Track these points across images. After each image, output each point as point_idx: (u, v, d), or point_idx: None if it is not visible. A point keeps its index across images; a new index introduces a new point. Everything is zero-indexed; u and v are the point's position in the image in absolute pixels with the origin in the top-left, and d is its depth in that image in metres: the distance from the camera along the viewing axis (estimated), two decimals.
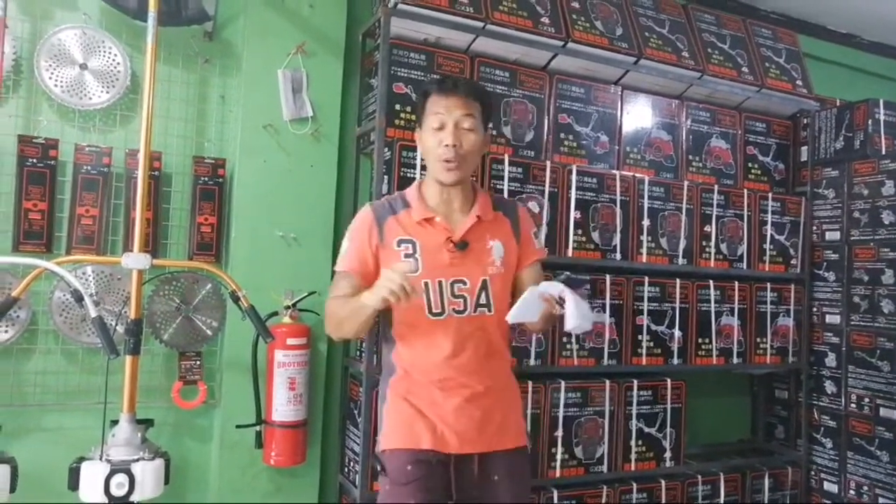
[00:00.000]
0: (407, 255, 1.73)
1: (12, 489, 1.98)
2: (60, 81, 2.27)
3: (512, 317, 1.62)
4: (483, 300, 1.75)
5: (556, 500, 2.60)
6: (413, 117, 2.47)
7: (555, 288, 1.58)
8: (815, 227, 3.30)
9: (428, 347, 1.75)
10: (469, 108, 1.73)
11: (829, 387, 3.18)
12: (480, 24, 2.55)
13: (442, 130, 1.72)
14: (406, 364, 1.78)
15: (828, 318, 3.22)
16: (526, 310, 1.59)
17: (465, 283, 1.75)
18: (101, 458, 2.03)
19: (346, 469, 2.57)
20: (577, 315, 1.53)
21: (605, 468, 2.72)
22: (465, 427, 1.73)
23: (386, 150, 2.42)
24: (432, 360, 1.74)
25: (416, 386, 1.76)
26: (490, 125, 1.89)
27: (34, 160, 2.24)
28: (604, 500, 2.70)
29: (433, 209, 1.78)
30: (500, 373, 1.84)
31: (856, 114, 3.18)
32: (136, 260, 2.13)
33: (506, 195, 2.55)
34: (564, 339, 2.65)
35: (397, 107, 2.47)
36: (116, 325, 2.23)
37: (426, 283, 1.73)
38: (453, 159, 1.71)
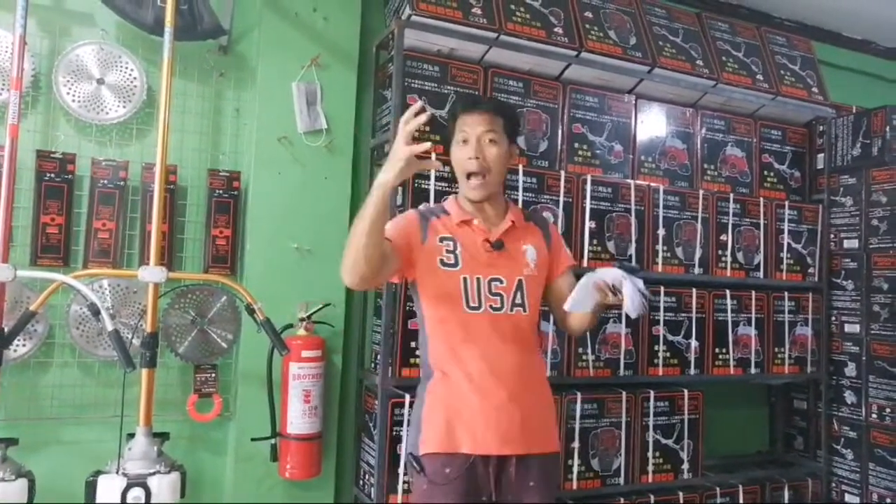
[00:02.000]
0: (448, 251, 1.80)
1: (30, 502, 1.98)
2: (78, 97, 2.29)
3: (569, 305, 1.67)
4: (518, 300, 1.82)
5: None
6: (427, 129, 2.48)
7: (609, 274, 1.59)
8: (832, 236, 3.26)
9: (465, 343, 1.77)
10: (491, 123, 1.82)
11: (850, 397, 3.14)
12: (494, 35, 2.55)
13: (466, 144, 1.82)
14: (444, 364, 1.80)
15: (847, 328, 3.18)
16: (582, 298, 1.63)
17: (501, 282, 1.80)
18: (117, 472, 2.03)
19: (360, 482, 2.56)
20: (637, 302, 1.55)
21: (621, 480, 2.69)
22: (507, 427, 1.75)
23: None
24: (471, 357, 1.76)
25: (454, 387, 1.78)
26: (517, 139, 1.97)
27: (52, 175, 2.26)
28: None
29: (471, 213, 1.87)
30: (537, 372, 1.88)
31: (873, 120, 3.15)
32: (152, 273, 2.14)
33: (520, 205, 2.54)
34: (580, 350, 2.64)
35: None
36: (132, 338, 2.23)
37: (465, 279, 1.79)
38: (477, 170, 1.80)
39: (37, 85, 2.28)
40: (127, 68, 2.35)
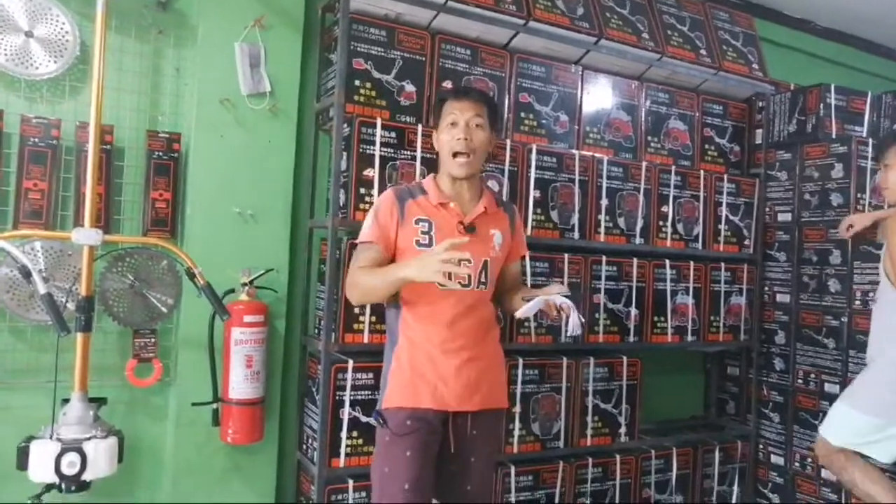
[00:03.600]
0: (423, 232, 1.95)
1: None
2: (5, 50, 2.19)
3: (521, 313, 1.88)
4: (483, 278, 1.99)
5: (513, 476, 2.64)
6: (373, 93, 2.50)
7: (560, 299, 1.86)
8: (767, 209, 3.38)
9: (433, 315, 1.94)
10: (478, 109, 2.00)
11: (778, 363, 3.29)
12: (442, 1, 2.53)
13: (455, 127, 1.98)
14: (410, 332, 1.96)
15: (778, 298, 3.31)
16: (531, 310, 1.87)
17: (470, 262, 1.89)
18: (51, 437, 1.99)
19: (304, 446, 2.57)
20: (577, 324, 1.85)
21: (561, 444, 2.77)
22: (463, 387, 1.93)
23: (345, 126, 2.40)
24: (436, 326, 1.94)
25: (418, 352, 1.95)
26: (495, 131, 2.09)
27: None
28: (560, 475, 2.75)
29: (448, 196, 2.01)
30: (492, 340, 2.06)
31: (808, 98, 3.25)
32: (86, 235, 2.08)
33: None
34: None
35: (356, 82, 2.45)
36: (67, 301, 2.18)
37: None
38: (465, 150, 1.95)
39: None
40: (58, 21, 2.25)
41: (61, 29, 2.26)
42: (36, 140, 2.24)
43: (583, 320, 1.96)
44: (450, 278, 1.76)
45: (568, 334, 1.91)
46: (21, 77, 2.23)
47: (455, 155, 1.97)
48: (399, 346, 1.97)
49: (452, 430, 1.95)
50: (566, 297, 1.86)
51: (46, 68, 2.25)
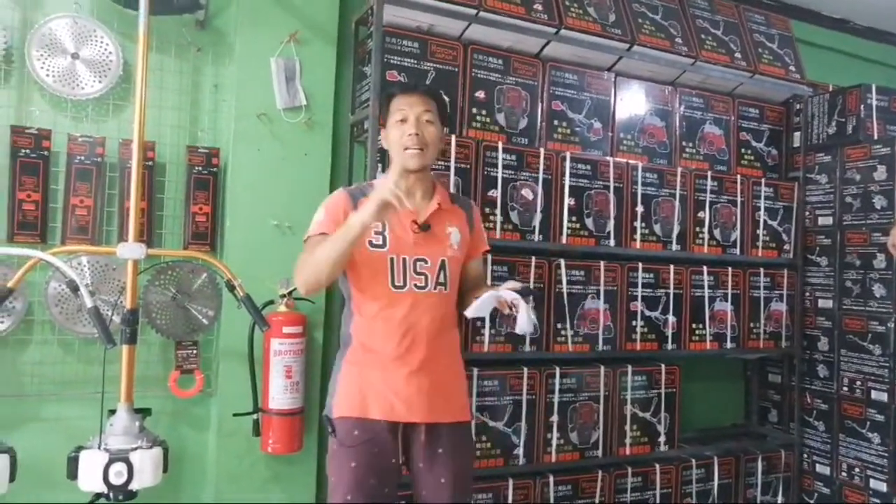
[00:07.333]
0: (377, 232, 1.86)
1: (12, 478, 1.98)
2: (52, 71, 2.26)
3: (471, 312, 1.81)
4: (441, 279, 1.91)
5: (551, 485, 2.63)
6: None
7: (510, 295, 1.76)
8: (807, 213, 3.31)
9: (386, 319, 1.86)
10: (428, 104, 1.93)
11: (822, 371, 3.21)
12: (473, 12, 2.55)
13: (405, 123, 1.90)
14: (363, 336, 1.89)
15: (820, 303, 3.24)
16: (484, 308, 1.80)
17: (426, 262, 1.89)
18: (99, 448, 2.04)
19: None
20: (527, 322, 1.74)
21: (599, 453, 2.75)
22: (415, 396, 1.84)
23: (379, 137, 2.41)
24: (388, 330, 1.85)
25: (369, 357, 1.87)
26: (445, 127, 2.03)
27: (27, 151, 2.23)
28: (599, 485, 2.73)
29: None
30: (450, 346, 1.97)
31: (848, 99, 3.19)
32: (130, 250, 2.13)
33: (499, 183, 2.57)
34: (559, 326, 2.67)
35: None
36: (112, 315, 2.23)
37: (391, 259, 1.87)
38: (417, 145, 1.88)
39: (9, 59, 2.24)
40: (102, 42, 2.32)
41: (105, 50, 2.33)
42: (82, 158, 2.31)
43: (534, 319, 1.84)
44: (403, 284, 1.76)
45: (518, 332, 1.79)
46: (68, 97, 2.30)
47: (406, 149, 1.89)
48: (350, 350, 1.90)
49: (404, 443, 1.86)
50: (518, 293, 1.75)
51: (91, 88, 2.32)
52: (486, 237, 2.15)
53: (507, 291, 1.77)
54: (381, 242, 1.86)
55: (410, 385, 1.84)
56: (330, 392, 1.93)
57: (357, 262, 1.86)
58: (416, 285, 1.87)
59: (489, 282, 2.46)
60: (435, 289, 1.89)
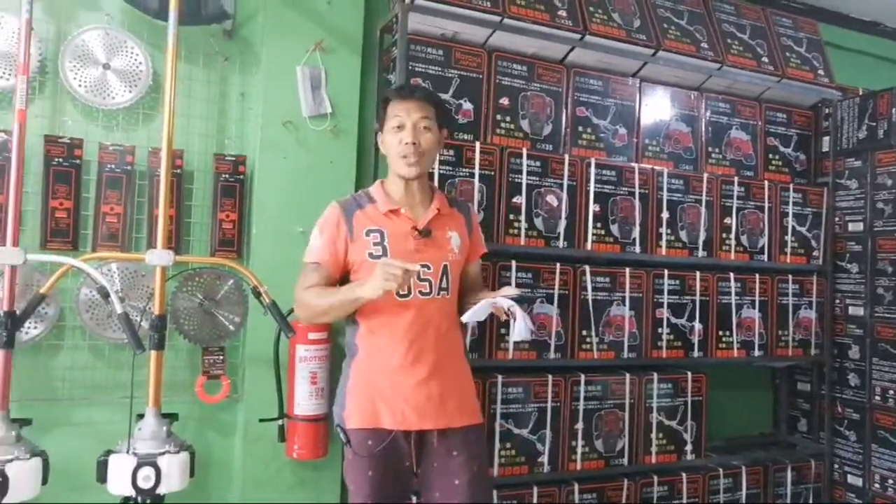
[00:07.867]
0: (376, 244, 1.86)
1: (44, 481, 2.02)
2: (84, 82, 2.31)
3: (466, 318, 1.79)
4: (444, 284, 1.90)
5: (576, 493, 2.61)
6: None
7: (506, 302, 1.76)
8: (837, 218, 3.26)
9: (392, 328, 1.86)
10: (425, 110, 1.90)
11: (853, 379, 3.15)
12: (497, 19, 2.55)
13: (402, 130, 1.88)
14: (369, 345, 1.89)
15: (851, 310, 3.19)
16: (479, 314, 1.78)
17: (429, 268, 1.88)
18: (128, 452, 2.07)
19: None
20: (524, 329, 1.74)
21: (625, 461, 2.72)
22: (425, 403, 1.84)
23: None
24: (395, 338, 1.85)
25: (377, 366, 1.87)
26: (444, 130, 2.01)
27: (60, 159, 2.28)
28: (625, 493, 2.70)
29: (397, 202, 1.92)
30: (455, 350, 1.96)
31: (879, 103, 3.13)
32: (159, 256, 2.16)
33: (524, 189, 2.57)
34: (584, 333, 2.65)
35: None
36: (141, 321, 2.26)
37: None
38: (413, 154, 1.86)
39: (43, 70, 2.30)
40: (132, 53, 2.37)
41: (135, 60, 2.37)
42: (112, 166, 2.35)
43: (532, 327, 1.83)
44: (408, 292, 1.71)
45: (514, 339, 1.81)
46: (99, 107, 2.34)
47: (403, 157, 1.88)
48: (357, 359, 1.90)
49: (418, 450, 1.87)
50: (515, 300, 1.75)
51: (122, 98, 2.36)
52: (484, 240, 2.15)
53: (503, 299, 1.76)
54: (381, 253, 1.85)
55: (420, 393, 1.84)
56: (339, 402, 1.93)
57: (361, 273, 1.87)
58: (420, 292, 1.87)
59: (513, 284, 2.46)
60: (438, 294, 1.89)
